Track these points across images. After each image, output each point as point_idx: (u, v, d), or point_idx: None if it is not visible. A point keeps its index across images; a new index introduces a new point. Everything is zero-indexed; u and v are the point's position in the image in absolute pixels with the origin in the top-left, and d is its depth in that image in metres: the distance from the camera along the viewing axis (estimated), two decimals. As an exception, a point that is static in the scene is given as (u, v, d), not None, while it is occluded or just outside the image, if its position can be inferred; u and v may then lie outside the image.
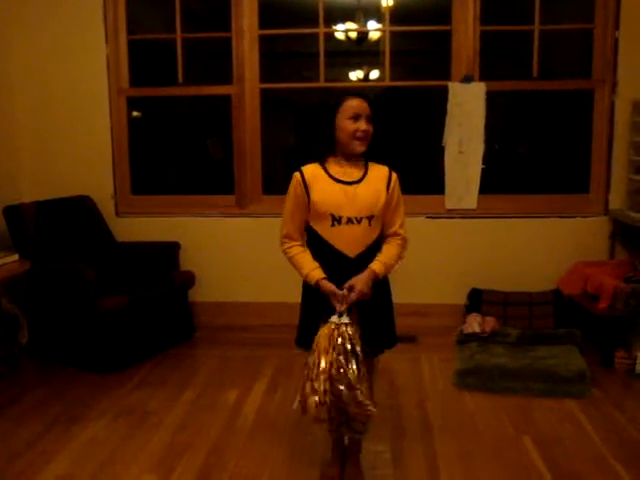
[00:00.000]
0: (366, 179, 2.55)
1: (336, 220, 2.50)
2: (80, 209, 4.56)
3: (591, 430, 3.17)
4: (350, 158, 2.56)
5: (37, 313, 4.23)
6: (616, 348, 3.95)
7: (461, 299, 4.59)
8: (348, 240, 2.51)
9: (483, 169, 4.57)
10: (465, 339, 4.15)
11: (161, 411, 3.44)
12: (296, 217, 2.58)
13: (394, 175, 2.60)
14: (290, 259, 2.59)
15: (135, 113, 5.76)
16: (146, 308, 4.21)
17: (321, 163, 2.58)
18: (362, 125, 2.48)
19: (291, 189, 2.58)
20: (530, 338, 4.07)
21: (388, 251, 2.57)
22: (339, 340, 2.36)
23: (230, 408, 3.47)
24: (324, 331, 2.40)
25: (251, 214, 4.76)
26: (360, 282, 2.46)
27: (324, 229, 2.53)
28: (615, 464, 2.85)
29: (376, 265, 2.51)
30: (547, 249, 4.57)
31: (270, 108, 5.08)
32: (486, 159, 4.58)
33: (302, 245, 2.60)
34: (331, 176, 2.54)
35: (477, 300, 4.51)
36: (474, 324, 4.19)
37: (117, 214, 4.82)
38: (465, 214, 4.62)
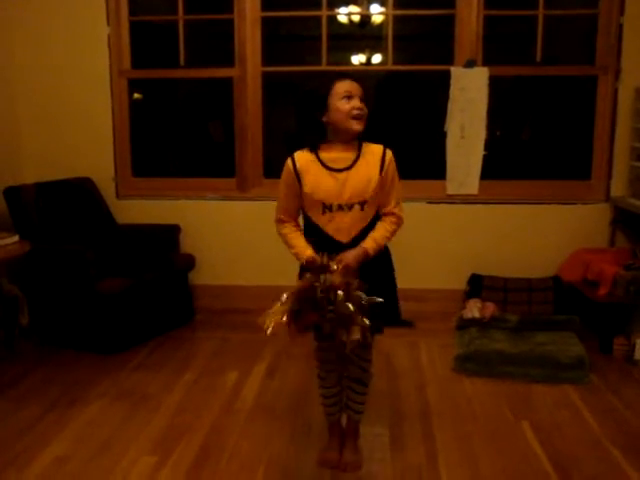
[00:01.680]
0: (357, 164, 2.53)
1: (327, 208, 2.51)
2: (81, 191, 4.56)
3: (589, 416, 3.18)
4: (346, 141, 2.53)
5: (37, 295, 4.23)
6: (615, 335, 3.96)
7: (461, 284, 4.59)
8: (340, 226, 2.52)
9: (485, 155, 4.56)
10: (465, 324, 4.15)
11: (160, 393, 3.46)
12: (289, 202, 2.60)
13: (388, 154, 2.56)
14: (282, 237, 2.62)
15: (136, 95, 5.73)
16: (146, 290, 4.22)
17: (313, 149, 2.56)
18: (357, 103, 2.46)
19: (283, 176, 2.59)
20: (530, 324, 4.07)
21: (381, 229, 2.56)
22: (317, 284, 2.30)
23: (229, 391, 3.49)
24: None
25: (252, 197, 4.75)
26: (349, 257, 2.43)
27: (316, 216, 2.55)
28: (612, 449, 2.86)
29: (368, 243, 2.50)
30: (548, 235, 4.56)
31: (272, 91, 5.06)
32: (488, 145, 4.56)
33: (295, 225, 2.63)
34: (322, 163, 2.53)
35: (477, 285, 4.51)
36: (474, 309, 4.20)
37: (118, 196, 4.82)
38: (466, 200, 4.61)
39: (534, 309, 4.38)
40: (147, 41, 5.23)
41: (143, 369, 3.80)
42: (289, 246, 2.59)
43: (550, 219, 4.56)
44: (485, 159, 4.56)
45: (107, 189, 4.75)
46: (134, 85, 5.05)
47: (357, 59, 8.69)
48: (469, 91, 4.49)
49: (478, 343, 3.83)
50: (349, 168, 2.52)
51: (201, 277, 4.75)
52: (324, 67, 4.69)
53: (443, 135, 4.57)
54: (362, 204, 2.51)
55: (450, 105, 4.53)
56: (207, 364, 3.87)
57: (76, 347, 4.06)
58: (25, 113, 4.73)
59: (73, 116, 4.74)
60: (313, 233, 2.57)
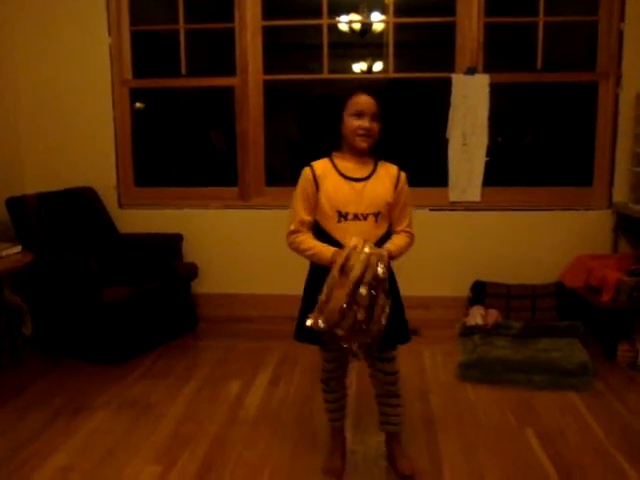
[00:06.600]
0: (374, 176, 2.57)
1: (342, 216, 2.51)
2: (83, 201, 4.56)
3: (593, 422, 3.17)
4: (357, 154, 2.56)
5: (40, 304, 4.24)
6: (619, 341, 3.95)
7: (464, 291, 4.59)
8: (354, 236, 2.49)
9: (487, 161, 4.56)
10: (468, 331, 4.15)
11: (164, 402, 3.45)
12: (305, 213, 2.55)
13: (402, 175, 2.61)
14: (297, 244, 2.55)
15: (138, 104, 5.75)
16: (149, 299, 4.22)
17: (330, 158, 2.59)
18: (365, 123, 2.48)
19: (301, 185, 2.57)
20: (533, 330, 4.07)
21: (398, 239, 2.58)
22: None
23: (233, 399, 3.49)
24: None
25: (254, 206, 4.76)
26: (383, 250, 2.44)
27: (330, 225, 2.53)
28: (617, 456, 2.86)
29: (389, 245, 2.52)
30: (550, 242, 4.56)
31: (274, 100, 5.08)
32: (490, 151, 4.57)
33: (310, 234, 2.57)
34: (340, 172, 2.55)
35: (480, 292, 4.50)
36: (477, 316, 4.20)
37: (120, 206, 4.82)
38: (468, 207, 4.61)
39: (537, 315, 4.37)
40: (148, 50, 5.25)
41: (147, 378, 3.79)
42: (306, 249, 2.52)
43: (552, 225, 4.56)
44: (487, 166, 4.57)
45: (109, 198, 4.75)
46: (136, 94, 5.07)
47: (358, 67, 8.73)
48: (470, 98, 4.50)
49: (481, 350, 3.82)
50: (366, 179, 2.55)
51: (204, 286, 4.75)
52: (325, 75, 4.70)
53: (445, 142, 4.58)
54: (376, 216, 2.52)
55: (451, 112, 4.53)
56: (211, 373, 3.86)
57: (79, 356, 4.06)
58: (27, 123, 4.75)
59: (75, 126, 4.75)
60: (324, 242, 2.53)
